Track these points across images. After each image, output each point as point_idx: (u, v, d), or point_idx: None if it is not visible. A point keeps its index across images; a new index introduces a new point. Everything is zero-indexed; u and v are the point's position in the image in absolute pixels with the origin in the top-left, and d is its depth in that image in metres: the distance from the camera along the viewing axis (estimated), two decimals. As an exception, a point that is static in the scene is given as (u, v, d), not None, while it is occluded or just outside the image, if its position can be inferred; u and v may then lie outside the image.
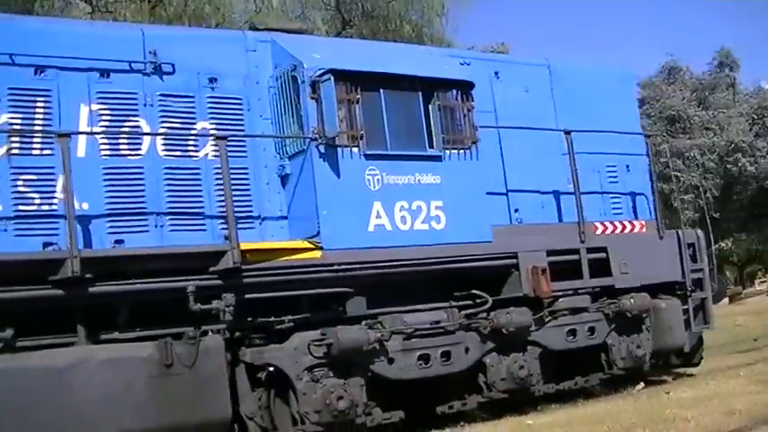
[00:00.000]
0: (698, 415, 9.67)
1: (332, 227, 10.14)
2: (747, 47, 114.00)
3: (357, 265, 10.27)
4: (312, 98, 10.25)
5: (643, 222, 13.09)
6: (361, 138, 10.47)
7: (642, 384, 12.85)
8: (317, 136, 10.18)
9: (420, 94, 11.01)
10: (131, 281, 9.03)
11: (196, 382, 9.14)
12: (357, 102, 10.48)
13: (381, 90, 10.70)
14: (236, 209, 9.88)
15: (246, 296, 9.59)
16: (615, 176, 13.35)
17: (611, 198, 13.25)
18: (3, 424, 8.20)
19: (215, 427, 9.42)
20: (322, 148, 10.23)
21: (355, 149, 10.42)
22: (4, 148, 9.07)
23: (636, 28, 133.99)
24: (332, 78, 10.08)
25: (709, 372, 13.73)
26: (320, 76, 10.19)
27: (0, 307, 8.49)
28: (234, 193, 9.88)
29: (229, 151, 9.90)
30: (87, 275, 8.71)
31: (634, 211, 13.43)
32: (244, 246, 9.51)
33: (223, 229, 10.04)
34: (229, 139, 9.90)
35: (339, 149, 10.29)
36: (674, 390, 12.15)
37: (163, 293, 9.22)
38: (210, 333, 9.45)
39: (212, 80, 10.43)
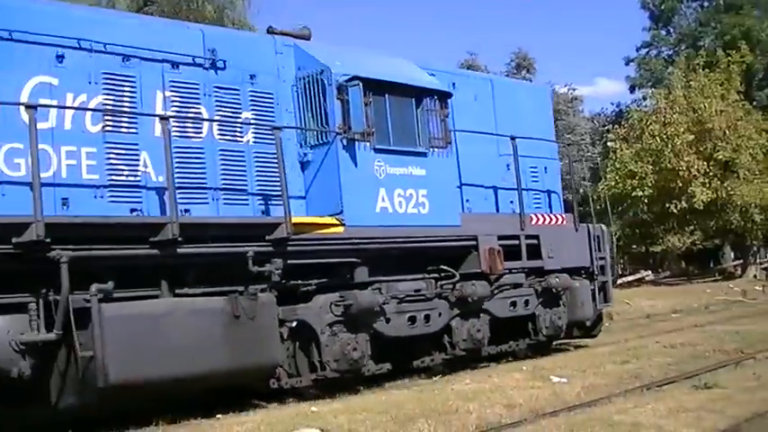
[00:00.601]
0: (479, 407, 10.07)
1: (351, 207, 12.18)
2: (544, 50, 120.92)
3: (368, 240, 12.35)
4: (338, 99, 12.23)
5: (564, 216, 15.86)
6: (372, 134, 12.51)
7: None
8: (342, 131, 12.16)
9: (413, 99, 13.20)
10: (212, 245, 10.74)
11: (255, 332, 10.95)
12: (369, 104, 12.51)
13: (387, 95, 12.81)
14: (270, 188, 11.77)
15: (289, 261, 11.45)
16: (537, 176, 16.06)
17: (533, 194, 15.92)
18: (117, 357, 9.70)
19: (267, 370, 11.30)
20: (345, 142, 12.23)
21: (368, 144, 12.47)
22: (101, 125, 10.53)
23: (437, 22, 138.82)
24: (360, 84, 12.11)
25: (492, 365, 14.39)
26: (348, 81, 12.18)
27: (106, 263, 10.01)
28: (269, 174, 11.79)
29: (265, 139, 11.80)
30: (179, 238, 10.35)
31: (549, 206, 16.16)
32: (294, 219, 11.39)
33: (260, 204, 11.92)
34: (264, 128, 11.79)
35: (356, 143, 12.32)
36: (457, 382, 12.51)
37: (230, 256, 10.97)
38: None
39: (252, 77, 12.20)
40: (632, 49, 60.62)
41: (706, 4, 58.53)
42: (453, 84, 14.79)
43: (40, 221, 9.17)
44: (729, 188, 39.95)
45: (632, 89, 58.59)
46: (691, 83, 41.53)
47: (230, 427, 9.76)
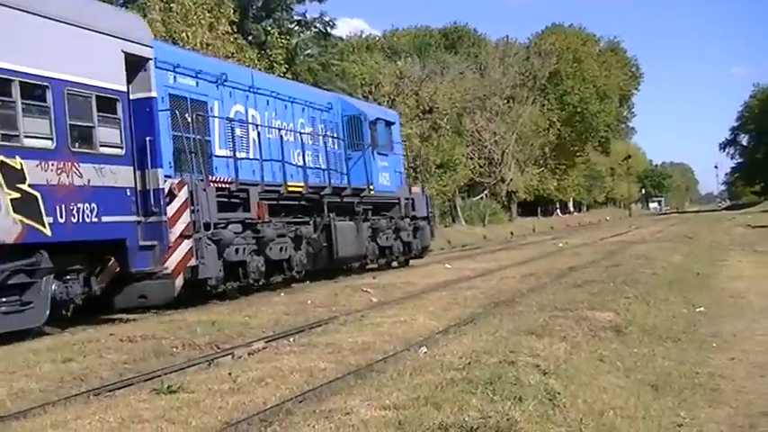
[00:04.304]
0: None
1: (374, 181, 25.26)
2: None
3: (380, 197, 25.60)
4: (370, 128, 25.22)
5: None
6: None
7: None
8: (372, 145, 25.18)
9: (388, 126, 26.60)
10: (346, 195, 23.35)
11: (362, 235, 23.75)
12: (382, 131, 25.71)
13: (381, 125, 26.06)
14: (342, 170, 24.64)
15: (364, 207, 24.28)
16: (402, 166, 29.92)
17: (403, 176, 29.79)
18: (340, 244, 22.09)
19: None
20: (371, 150, 25.18)
21: (377, 150, 25.60)
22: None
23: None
24: (383, 122, 25.33)
25: None
26: (375, 120, 25.33)
27: (335, 204, 22.22)
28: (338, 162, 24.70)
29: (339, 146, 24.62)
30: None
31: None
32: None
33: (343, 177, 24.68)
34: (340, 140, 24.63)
35: (374, 151, 25.38)
36: None
37: (351, 203, 23.64)
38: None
39: (333, 114, 24.75)
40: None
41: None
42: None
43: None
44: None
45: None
46: (171, 6, 33.07)
47: None
